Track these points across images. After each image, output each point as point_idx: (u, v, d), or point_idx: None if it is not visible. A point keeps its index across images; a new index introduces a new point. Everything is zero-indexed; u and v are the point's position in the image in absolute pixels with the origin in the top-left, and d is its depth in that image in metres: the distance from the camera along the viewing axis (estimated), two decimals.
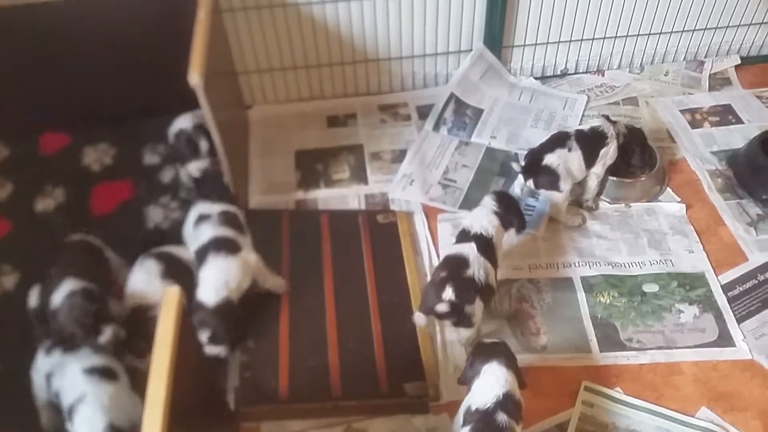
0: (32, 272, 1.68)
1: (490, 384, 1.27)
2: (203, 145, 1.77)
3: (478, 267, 1.49)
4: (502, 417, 1.23)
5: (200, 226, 1.58)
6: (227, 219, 1.59)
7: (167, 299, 1.03)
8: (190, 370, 1.12)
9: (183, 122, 1.82)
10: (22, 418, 1.40)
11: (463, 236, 1.57)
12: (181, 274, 1.52)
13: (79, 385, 1.26)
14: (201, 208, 1.62)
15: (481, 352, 1.34)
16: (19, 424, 1.41)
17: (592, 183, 1.84)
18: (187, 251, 1.59)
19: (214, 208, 1.61)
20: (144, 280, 1.49)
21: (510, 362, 1.32)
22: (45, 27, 1.82)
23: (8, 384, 1.47)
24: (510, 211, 1.62)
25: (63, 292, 1.42)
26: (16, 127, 2.02)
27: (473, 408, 1.26)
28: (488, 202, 1.62)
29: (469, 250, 1.52)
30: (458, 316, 1.47)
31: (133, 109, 1.99)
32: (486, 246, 1.54)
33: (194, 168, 1.80)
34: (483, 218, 1.58)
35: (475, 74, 2.23)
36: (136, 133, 2.02)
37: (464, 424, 1.26)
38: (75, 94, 1.95)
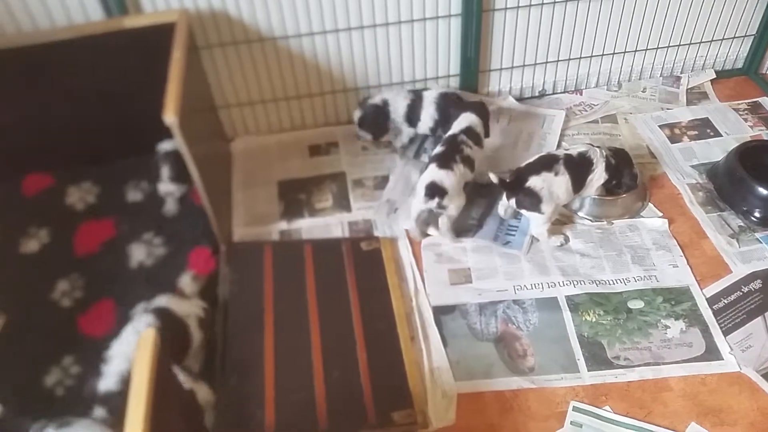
0: (19, 312, 1.68)
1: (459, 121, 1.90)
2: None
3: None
4: (462, 137, 1.84)
5: None
6: None
7: (142, 343, 1.03)
8: (170, 412, 1.11)
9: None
10: None
11: None
12: (174, 330, 1.51)
13: None
14: None
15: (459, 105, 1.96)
16: None
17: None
18: (182, 303, 1.58)
19: None
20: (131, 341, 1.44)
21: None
22: (24, 70, 1.83)
23: None
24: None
25: None
26: None
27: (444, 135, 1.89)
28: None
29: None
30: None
31: (116, 147, 2.00)
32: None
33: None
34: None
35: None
36: (119, 170, 2.02)
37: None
38: (56, 135, 1.95)
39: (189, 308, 1.58)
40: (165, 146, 1.89)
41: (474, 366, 1.59)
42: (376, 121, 2.05)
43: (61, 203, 1.96)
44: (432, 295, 1.75)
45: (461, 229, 1.88)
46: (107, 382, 1.36)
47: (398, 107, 2.04)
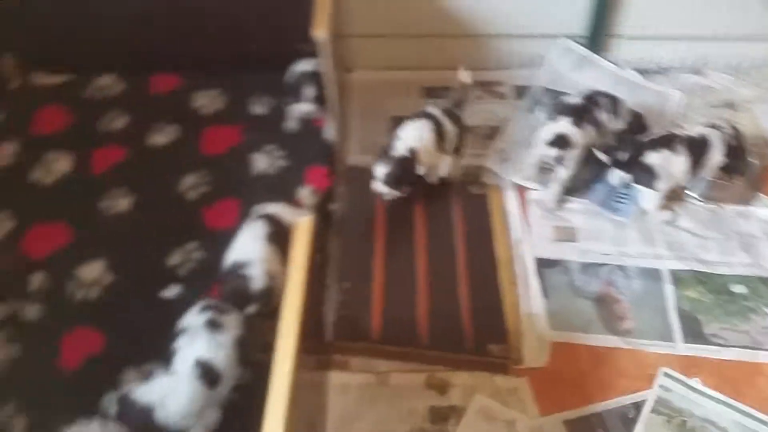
0: (146, 196, 1.79)
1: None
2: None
3: None
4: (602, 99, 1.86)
5: None
6: None
7: (301, 227, 1.11)
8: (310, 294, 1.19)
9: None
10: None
11: None
12: (283, 235, 1.52)
13: None
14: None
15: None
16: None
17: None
18: (293, 212, 1.63)
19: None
20: (248, 242, 1.53)
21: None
22: None
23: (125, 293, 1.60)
24: None
25: None
26: (129, 66, 2.11)
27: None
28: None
29: None
30: None
31: (243, 60, 2.06)
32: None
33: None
34: None
35: (565, 66, 2.25)
36: (245, 83, 2.09)
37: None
38: (185, 38, 2.02)
39: (294, 217, 1.62)
40: (302, 66, 1.92)
41: (571, 319, 1.63)
42: (406, 176, 1.74)
43: (188, 105, 2.05)
44: (535, 247, 1.79)
45: (571, 188, 1.90)
46: (256, 282, 1.44)
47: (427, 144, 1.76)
